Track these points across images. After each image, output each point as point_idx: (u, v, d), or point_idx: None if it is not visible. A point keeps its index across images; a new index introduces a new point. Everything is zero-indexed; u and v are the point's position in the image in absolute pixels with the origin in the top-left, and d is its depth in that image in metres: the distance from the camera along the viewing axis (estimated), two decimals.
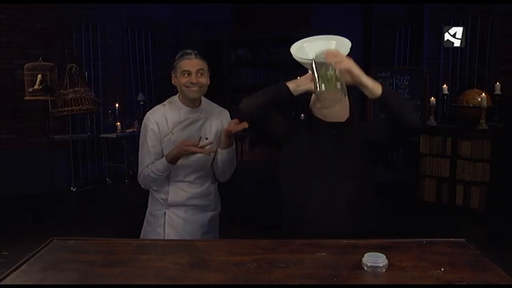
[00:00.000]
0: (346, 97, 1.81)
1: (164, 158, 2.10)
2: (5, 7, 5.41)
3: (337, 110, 1.84)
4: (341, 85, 1.59)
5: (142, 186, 2.21)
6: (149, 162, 2.15)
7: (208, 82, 2.18)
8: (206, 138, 2.17)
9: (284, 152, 1.91)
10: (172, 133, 2.16)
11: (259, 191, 5.82)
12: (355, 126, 1.88)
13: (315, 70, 1.61)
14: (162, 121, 2.16)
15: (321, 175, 1.79)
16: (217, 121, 2.23)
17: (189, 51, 2.14)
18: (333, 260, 1.49)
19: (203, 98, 2.23)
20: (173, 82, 2.19)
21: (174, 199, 2.19)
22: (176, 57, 2.16)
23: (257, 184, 6.14)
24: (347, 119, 1.87)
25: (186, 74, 2.10)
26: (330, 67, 1.58)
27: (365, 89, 1.65)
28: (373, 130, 1.89)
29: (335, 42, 1.80)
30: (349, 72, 1.60)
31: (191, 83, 2.10)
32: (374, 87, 1.64)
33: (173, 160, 2.09)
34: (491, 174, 4.55)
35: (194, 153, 2.05)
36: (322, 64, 1.60)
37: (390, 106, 1.67)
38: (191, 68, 2.10)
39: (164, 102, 2.24)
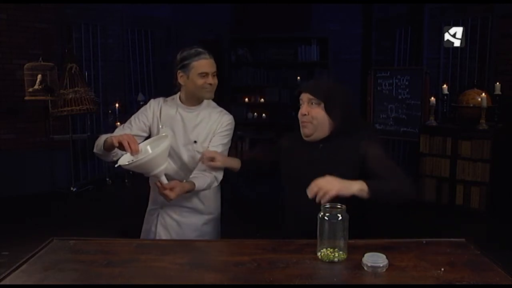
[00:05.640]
0: (326, 119, 1.83)
1: (107, 139, 1.92)
2: (5, 7, 5.40)
3: (318, 133, 1.86)
4: None
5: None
6: (117, 131, 2.08)
7: None
8: (195, 142, 2.10)
9: (282, 165, 1.99)
10: (162, 126, 2.12)
11: (259, 191, 5.81)
12: (342, 142, 1.86)
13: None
14: (157, 111, 2.14)
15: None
16: (213, 124, 2.13)
17: (202, 50, 2.06)
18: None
19: None
20: (180, 81, 2.09)
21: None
22: (185, 54, 2.06)
23: (257, 184, 6.13)
24: (329, 134, 1.87)
25: (203, 75, 2.04)
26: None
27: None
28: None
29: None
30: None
31: (209, 84, 2.06)
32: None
33: (108, 145, 1.90)
34: (491, 174, 4.54)
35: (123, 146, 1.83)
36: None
37: (382, 200, 1.71)
38: (209, 69, 2.05)
39: (167, 98, 2.21)
